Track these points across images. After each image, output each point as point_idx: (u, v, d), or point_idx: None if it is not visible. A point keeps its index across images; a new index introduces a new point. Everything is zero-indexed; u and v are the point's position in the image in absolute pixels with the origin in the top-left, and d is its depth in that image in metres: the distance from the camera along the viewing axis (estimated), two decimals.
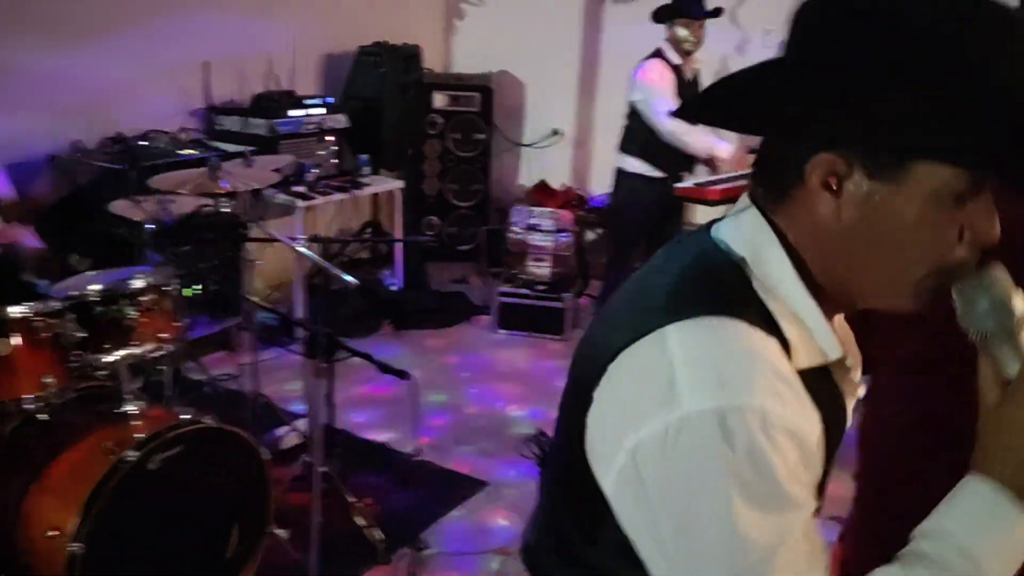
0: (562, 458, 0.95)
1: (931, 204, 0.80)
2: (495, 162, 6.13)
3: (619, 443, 0.83)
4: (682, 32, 4.29)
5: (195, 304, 4.04)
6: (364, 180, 4.91)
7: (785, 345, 0.84)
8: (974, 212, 0.81)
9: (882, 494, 1.36)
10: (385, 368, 2.25)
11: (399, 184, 5.12)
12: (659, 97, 4.21)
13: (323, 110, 4.81)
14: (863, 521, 1.41)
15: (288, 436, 3.44)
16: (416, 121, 5.63)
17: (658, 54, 4.36)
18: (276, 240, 2.76)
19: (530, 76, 6.21)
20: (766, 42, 5.38)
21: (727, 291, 0.85)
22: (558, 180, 6.17)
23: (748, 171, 4.57)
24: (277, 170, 2.91)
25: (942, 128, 0.76)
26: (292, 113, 4.66)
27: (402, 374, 2.27)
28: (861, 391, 1.00)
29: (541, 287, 4.91)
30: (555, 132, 6.20)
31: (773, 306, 0.85)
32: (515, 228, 5.01)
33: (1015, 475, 0.81)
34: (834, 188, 0.82)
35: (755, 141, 0.93)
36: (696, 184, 4.13)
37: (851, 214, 0.82)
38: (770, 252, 0.87)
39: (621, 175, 4.50)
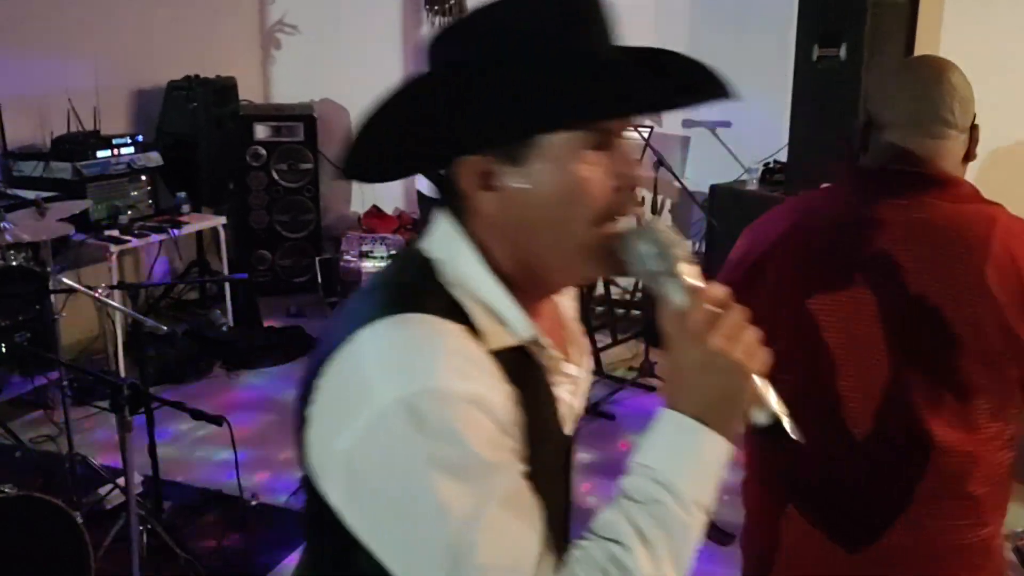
0: (305, 491, 0.97)
1: (569, 166, 0.89)
2: (325, 191, 6.06)
3: (332, 451, 0.87)
4: None
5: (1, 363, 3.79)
6: (183, 219, 4.74)
7: (476, 331, 0.90)
8: (612, 162, 0.91)
9: None
10: (197, 415, 2.18)
11: (221, 220, 4.98)
12: None
13: (132, 149, 4.62)
14: None
15: (111, 494, 3.26)
16: (236, 154, 5.48)
17: None
18: (76, 290, 2.62)
19: (353, 102, 6.17)
20: None
21: (414, 289, 0.92)
22: (391, 204, 6.16)
23: None
24: (72, 217, 2.76)
25: (541, 102, 0.87)
26: (99, 154, 4.45)
27: (216, 420, 2.20)
28: (583, 375, 1.07)
29: None
30: None
31: (462, 297, 0.92)
32: (348, 256, 4.97)
33: (696, 401, 0.88)
34: (489, 185, 0.91)
35: None
36: None
37: (510, 202, 0.91)
38: (460, 251, 0.94)
39: (419, 197, 4.62)
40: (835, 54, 4.16)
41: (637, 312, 5.41)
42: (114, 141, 4.56)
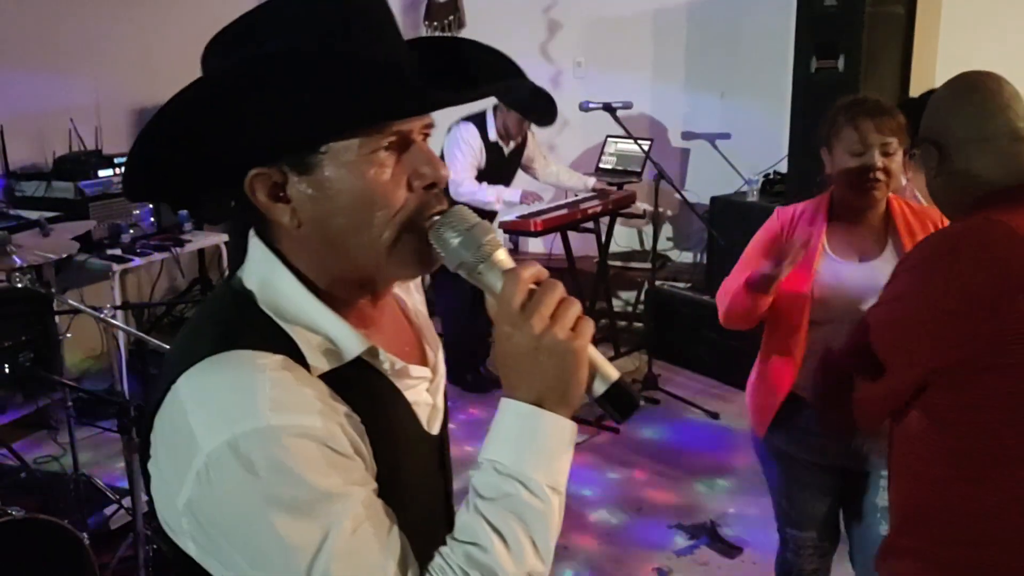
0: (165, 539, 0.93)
1: (364, 171, 0.86)
2: None
3: (176, 509, 0.84)
4: (513, 128, 4.27)
5: (3, 384, 3.78)
6: (186, 237, 4.75)
7: (302, 356, 0.87)
8: (410, 162, 0.89)
9: None
10: None
11: (223, 237, 4.98)
12: (459, 163, 4.17)
13: None
14: None
15: (116, 515, 3.25)
16: None
17: (479, 120, 4.28)
18: (81, 311, 2.63)
19: None
20: (577, 73, 5.62)
21: (227, 325, 0.89)
22: None
23: (567, 200, 4.70)
24: (78, 237, 2.77)
25: (316, 113, 0.84)
26: (101, 173, 4.45)
27: None
28: (438, 371, 1.05)
29: None
30: None
31: (283, 323, 0.89)
32: None
33: (530, 386, 0.86)
34: (282, 197, 0.88)
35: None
36: (519, 217, 4.24)
37: (307, 212, 0.88)
38: (277, 275, 0.91)
39: None
40: (833, 65, 4.18)
41: (639, 324, 5.42)
42: (116, 160, 4.55)
